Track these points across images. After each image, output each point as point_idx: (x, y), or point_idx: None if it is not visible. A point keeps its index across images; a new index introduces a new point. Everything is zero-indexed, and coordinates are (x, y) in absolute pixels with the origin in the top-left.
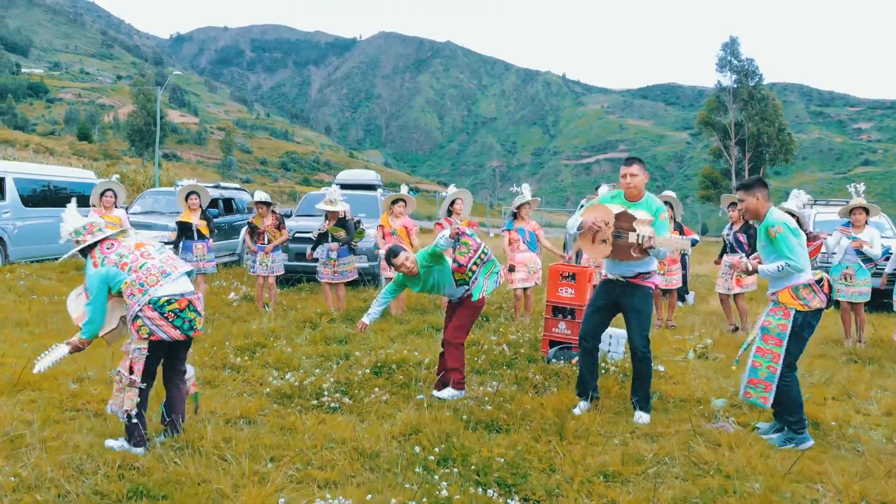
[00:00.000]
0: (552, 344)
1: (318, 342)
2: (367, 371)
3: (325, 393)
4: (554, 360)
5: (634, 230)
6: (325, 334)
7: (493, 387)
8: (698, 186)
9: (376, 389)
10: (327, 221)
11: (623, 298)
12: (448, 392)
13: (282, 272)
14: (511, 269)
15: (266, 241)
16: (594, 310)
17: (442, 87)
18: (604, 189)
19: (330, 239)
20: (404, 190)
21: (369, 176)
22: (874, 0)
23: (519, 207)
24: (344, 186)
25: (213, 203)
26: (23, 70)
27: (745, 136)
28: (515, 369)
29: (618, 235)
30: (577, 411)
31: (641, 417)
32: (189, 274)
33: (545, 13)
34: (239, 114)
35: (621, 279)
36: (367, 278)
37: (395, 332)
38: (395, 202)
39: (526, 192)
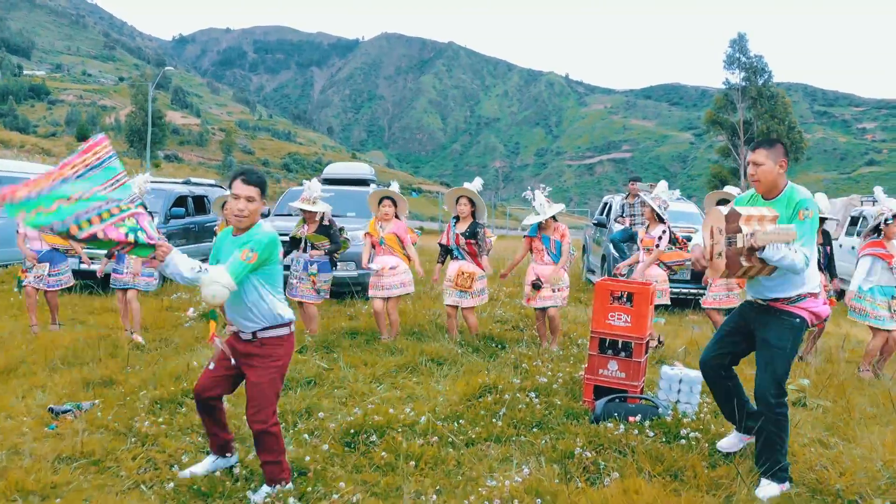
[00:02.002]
0: (598, 391)
1: None
2: (335, 441)
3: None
4: (604, 421)
5: (741, 230)
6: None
7: (525, 473)
8: (706, 186)
9: (341, 484)
10: (305, 225)
11: (757, 327)
12: None
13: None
14: (536, 285)
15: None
16: (722, 333)
17: (444, 88)
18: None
19: (308, 247)
20: (395, 187)
21: (361, 169)
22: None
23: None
24: (332, 181)
25: (181, 201)
26: (24, 72)
27: (754, 135)
28: (552, 433)
29: (730, 242)
30: (722, 446)
31: (767, 489)
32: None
33: (548, 13)
34: (241, 115)
35: (759, 301)
36: (357, 289)
37: (383, 367)
38: (382, 201)
39: (540, 199)
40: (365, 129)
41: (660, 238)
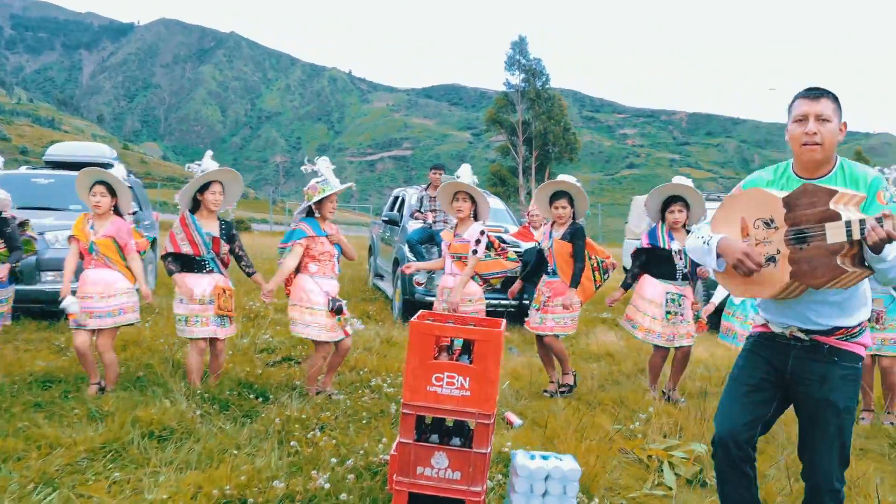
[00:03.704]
0: (416, 503)
1: None
2: None
3: None
4: None
5: (839, 216)
6: None
7: None
8: (486, 184)
9: None
10: None
11: (805, 378)
12: None
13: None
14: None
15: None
16: (744, 389)
17: (225, 80)
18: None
19: None
20: (119, 171)
21: (96, 151)
22: (636, 17)
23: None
24: (56, 165)
25: None
26: None
27: (532, 135)
28: None
29: (800, 239)
30: None
31: None
32: None
33: (332, 8)
34: None
35: (800, 336)
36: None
37: (71, 449)
38: (94, 187)
39: (327, 169)
40: (139, 119)
41: (477, 242)
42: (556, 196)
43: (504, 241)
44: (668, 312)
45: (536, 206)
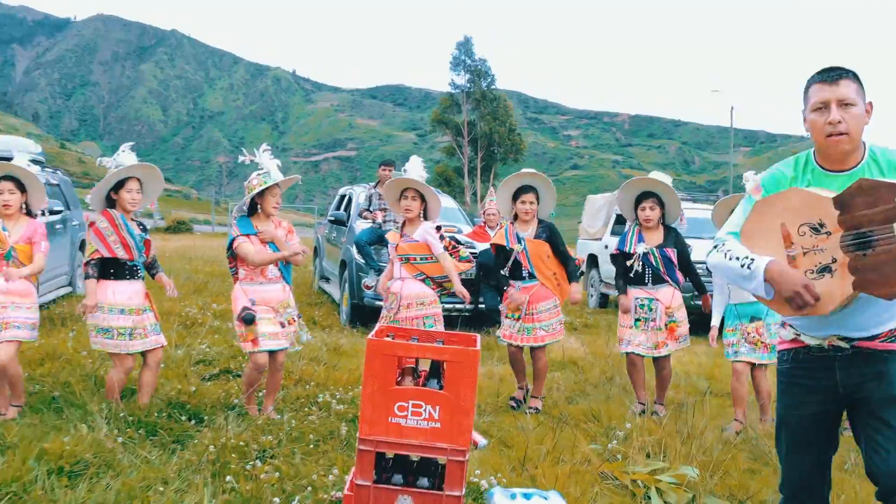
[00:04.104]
0: None
1: None
2: None
3: None
4: None
5: None
6: None
7: None
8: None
9: None
10: None
11: (858, 381)
12: None
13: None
14: (248, 319)
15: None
16: (802, 435)
17: (166, 78)
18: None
19: None
20: (20, 160)
21: (13, 145)
22: (579, 19)
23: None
24: None
25: None
26: None
27: (478, 135)
28: None
29: (862, 244)
30: None
31: None
32: None
33: (276, 7)
34: None
35: (842, 344)
36: None
37: None
38: None
39: (268, 161)
40: (77, 118)
41: (441, 238)
42: (522, 191)
43: (458, 242)
44: (637, 319)
45: (493, 205)
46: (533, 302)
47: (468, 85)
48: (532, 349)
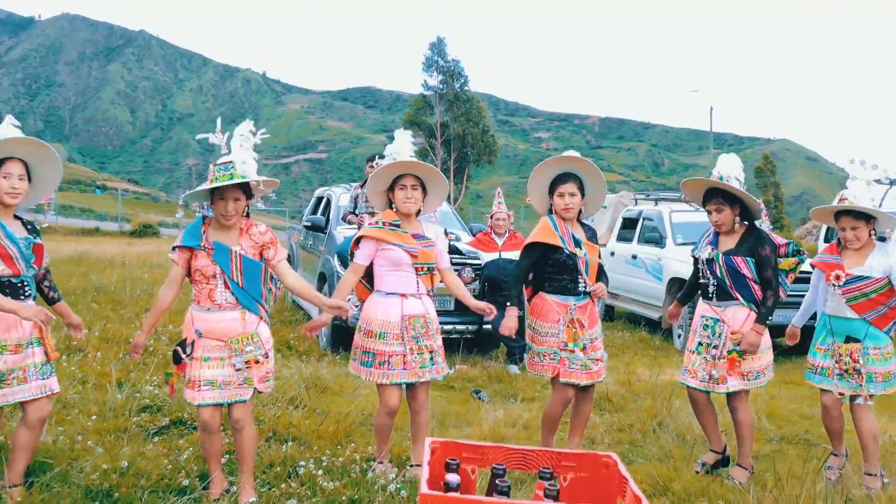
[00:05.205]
0: None
1: None
2: None
3: None
4: None
5: None
6: None
7: None
8: None
9: None
10: None
11: None
12: None
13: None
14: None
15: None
16: None
17: (134, 79)
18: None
19: None
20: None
21: None
22: (550, 21)
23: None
24: None
25: None
26: None
27: (451, 137)
28: None
29: None
30: None
31: None
32: None
33: (246, 8)
34: None
35: None
36: None
37: None
38: None
39: (243, 155)
40: (42, 119)
41: (448, 250)
42: (561, 180)
43: (459, 252)
44: (699, 343)
45: (503, 208)
46: (591, 325)
47: (441, 86)
48: (583, 389)
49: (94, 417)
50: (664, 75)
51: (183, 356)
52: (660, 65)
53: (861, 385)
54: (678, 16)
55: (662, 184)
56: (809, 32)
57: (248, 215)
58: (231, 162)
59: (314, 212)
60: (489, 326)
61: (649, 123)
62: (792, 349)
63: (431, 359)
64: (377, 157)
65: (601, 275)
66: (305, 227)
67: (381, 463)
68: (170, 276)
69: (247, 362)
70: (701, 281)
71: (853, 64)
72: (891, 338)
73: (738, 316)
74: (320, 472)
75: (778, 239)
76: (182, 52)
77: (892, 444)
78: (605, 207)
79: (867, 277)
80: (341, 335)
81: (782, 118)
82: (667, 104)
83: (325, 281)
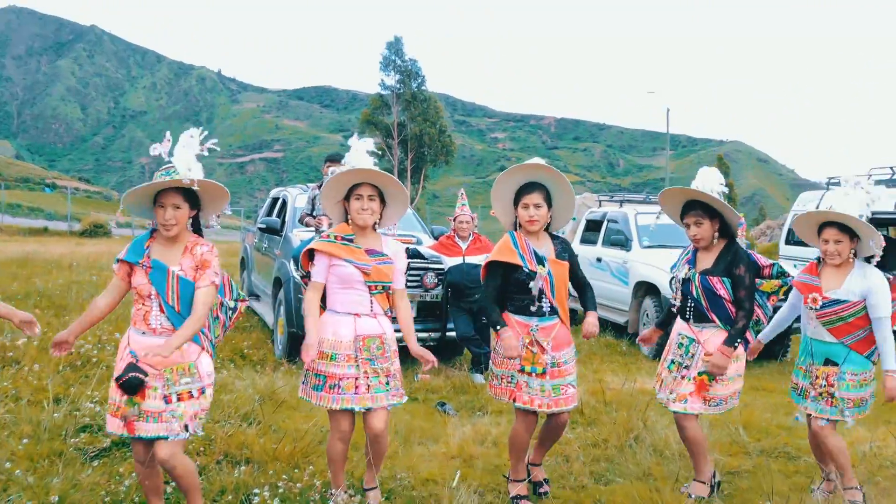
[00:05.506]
0: None
1: None
2: None
3: None
4: None
5: None
6: None
7: None
8: None
9: None
10: None
11: None
12: None
13: None
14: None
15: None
16: None
17: (85, 76)
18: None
19: None
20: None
21: None
22: (507, 22)
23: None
24: None
25: None
26: None
27: (408, 137)
28: None
29: None
30: None
31: None
32: None
33: (200, 5)
34: None
35: None
36: None
37: None
38: None
39: (185, 157)
40: None
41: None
42: (526, 189)
43: (421, 256)
44: (672, 361)
45: (466, 210)
46: (557, 348)
47: (398, 86)
48: (552, 415)
49: (25, 441)
50: (620, 77)
51: (143, 379)
52: (615, 66)
53: (830, 410)
54: (634, 17)
55: (618, 184)
56: (761, 34)
57: (199, 232)
58: (172, 165)
59: (269, 213)
60: (453, 333)
61: (605, 124)
62: (763, 354)
63: (388, 383)
64: (336, 159)
65: (585, 288)
66: (260, 229)
67: (337, 493)
68: (109, 284)
69: (178, 395)
70: (678, 303)
71: (802, 66)
72: (872, 362)
73: (715, 339)
74: (276, 500)
75: (762, 259)
76: (135, 48)
77: (872, 455)
78: (575, 220)
79: (844, 301)
80: (296, 343)
81: (734, 120)
82: (622, 105)
83: (280, 286)
